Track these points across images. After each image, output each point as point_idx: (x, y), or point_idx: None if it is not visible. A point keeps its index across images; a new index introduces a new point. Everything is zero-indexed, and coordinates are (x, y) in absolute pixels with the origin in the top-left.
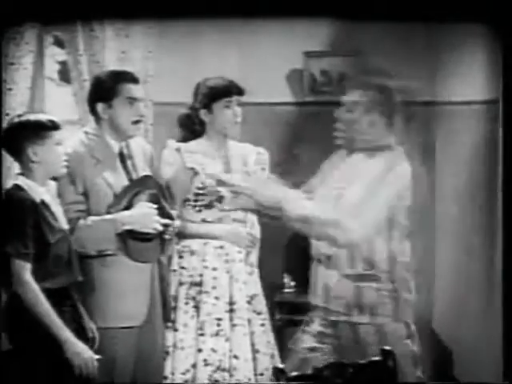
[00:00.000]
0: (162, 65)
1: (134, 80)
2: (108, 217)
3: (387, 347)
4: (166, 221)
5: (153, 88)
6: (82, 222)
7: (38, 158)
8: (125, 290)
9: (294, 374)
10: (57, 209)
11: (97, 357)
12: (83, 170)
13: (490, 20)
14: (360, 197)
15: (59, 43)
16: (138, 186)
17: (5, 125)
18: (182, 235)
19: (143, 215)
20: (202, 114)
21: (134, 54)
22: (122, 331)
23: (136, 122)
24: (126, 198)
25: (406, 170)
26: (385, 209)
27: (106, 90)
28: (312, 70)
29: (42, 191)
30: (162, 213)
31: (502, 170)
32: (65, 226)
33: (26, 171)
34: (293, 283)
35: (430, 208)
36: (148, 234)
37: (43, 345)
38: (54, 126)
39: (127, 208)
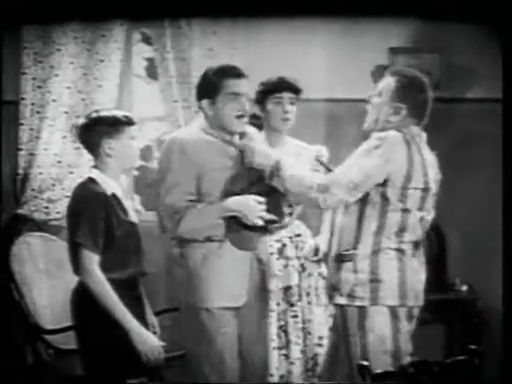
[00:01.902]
0: (249, 61)
1: (238, 75)
2: (214, 203)
3: (474, 346)
4: (271, 216)
5: None
6: (190, 209)
7: (113, 153)
8: (228, 273)
9: (379, 371)
10: (127, 202)
11: (162, 344)
12: (197, 161)
13: (490, 20)
14: (346, 165)
15: (147, 40)
16: (250, 176)
17: (83, 120)
18: None
19: (247, 206)
20: (257, 109)
21: (220, 50)
22: (226, 312)
23: (239, 117)
24: (239, 185)
25: (395, 151)
26: (362, 178)
27: (210, 87)
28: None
29: (115, 185)
30: (273, 207)
31: (502, 169)
32: (134, 219)
33: (100, 165)
34: None
35: None
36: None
37: (110, 334)
38: (128, 122)
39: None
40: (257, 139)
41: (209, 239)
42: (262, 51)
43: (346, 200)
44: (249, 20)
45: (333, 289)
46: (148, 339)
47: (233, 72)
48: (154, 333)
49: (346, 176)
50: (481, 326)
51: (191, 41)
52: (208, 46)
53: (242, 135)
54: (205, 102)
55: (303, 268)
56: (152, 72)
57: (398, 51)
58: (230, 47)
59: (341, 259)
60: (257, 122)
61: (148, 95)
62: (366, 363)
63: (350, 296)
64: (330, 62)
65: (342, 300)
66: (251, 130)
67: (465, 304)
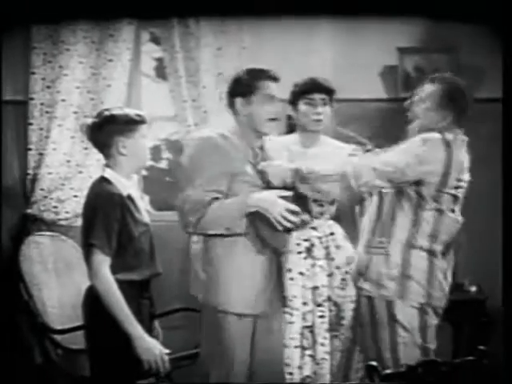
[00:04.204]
0: (257, 60)
1: (273, 78)
2: (239, 197)
3: (482, 347)
4: (292, 218)
5: None
6: (214, 204)
7: (126, 152)
8: (246, 277)
9: (387, 371)
10: (140, 202)
11: (167, 351)
12: (229, 162)
13: (490, 20)
14: (385, 155)
15: (155, 40)
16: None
17: (94, 119)
18: None
19: (269, 201)
20: (290, 110)
21: (229, 49)
22: (243, 317)
23: (272, 120)
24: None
25: (434, 153)
26: (394, 170)
27: (246, 85)
28: (406, 67)
29: (129, 185)
30: (303, 206)
31: (502, 169)
32: (147, 219)
33: (113, 164)
34: None
35: None
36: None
37: (119, 336)
38: (141, 120)
39: None
40: (272, 155)
41: (229, 232)
42: (270, 50)
43: (379, 186)
44: (257, 19)
45: (359, 273)
46: (152, 346)
47: (270, 74)
48: (156, 336)
49: (380, 164)
50: (489, 327)
51: (199, 40)
52: (216, 46)
53: (262, 148)
54: (239, 101)
55: (333, 274)
56: (161, 72)
57: (407, 51)
58: (238, 46)
59: (372, 248)
60: (291, 122)
61: (157, 95)
62: (373, 363)
63: (377, 284)
64: (338, 61)
65: (366, 285)
66: (270, 142)
67: (473, 305)
